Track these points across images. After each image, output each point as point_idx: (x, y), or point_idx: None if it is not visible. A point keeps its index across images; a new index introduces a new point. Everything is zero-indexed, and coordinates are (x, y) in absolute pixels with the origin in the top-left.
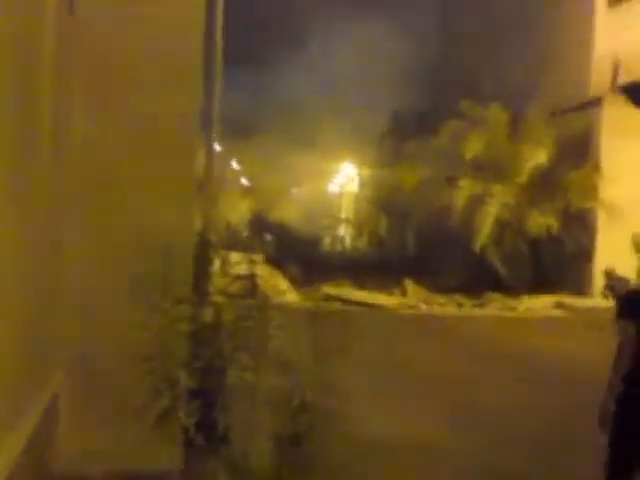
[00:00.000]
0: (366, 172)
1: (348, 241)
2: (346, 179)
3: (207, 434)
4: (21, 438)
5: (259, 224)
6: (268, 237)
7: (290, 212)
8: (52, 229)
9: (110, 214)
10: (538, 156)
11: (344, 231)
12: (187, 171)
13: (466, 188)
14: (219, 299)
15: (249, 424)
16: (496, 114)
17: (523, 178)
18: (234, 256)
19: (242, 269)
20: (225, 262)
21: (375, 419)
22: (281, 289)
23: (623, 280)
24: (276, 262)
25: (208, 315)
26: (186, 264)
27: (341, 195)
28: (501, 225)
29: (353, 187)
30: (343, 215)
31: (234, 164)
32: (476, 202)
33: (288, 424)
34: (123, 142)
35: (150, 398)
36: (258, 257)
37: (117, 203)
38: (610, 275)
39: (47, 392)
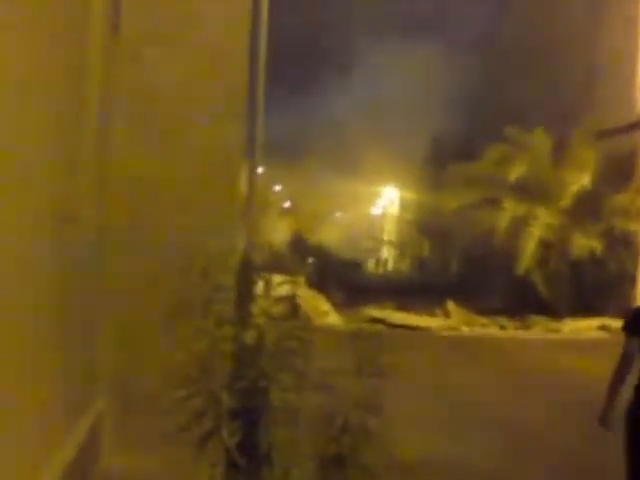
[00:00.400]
0: (408, 195)
1: (390, 263)
2: (388, 202)
3: (249, 455)
4: (64, 459)
5: (301, 246)
6: (310, 259)
7: (332, 234)
8: (94, 251)
9: (153, 236)
10: (582, 179)
11: (386, 253)
12: (231, 193)
13: (509, 210)
14: (261, 320)
15: (291, 445)
16: (540, 138)
17: (567, 201)
18: (276, 278)
19: (284, 290)
20: (268, 283)
21: (418, 441)
22: (323, 310)
23: None
24: (318, 284)
25: (250, 336)
26: (229, 286)
27: (383, 218)
28: (544, 247)
29: (395, 210)
30: (385, 238)
31: (277, 187)
32: (519, 224)
33: (331, 445)
34: (168, 164)
35: (193, 419)
36: (300, 279)
37: (160, 225)
38: None
39: (90, 414)
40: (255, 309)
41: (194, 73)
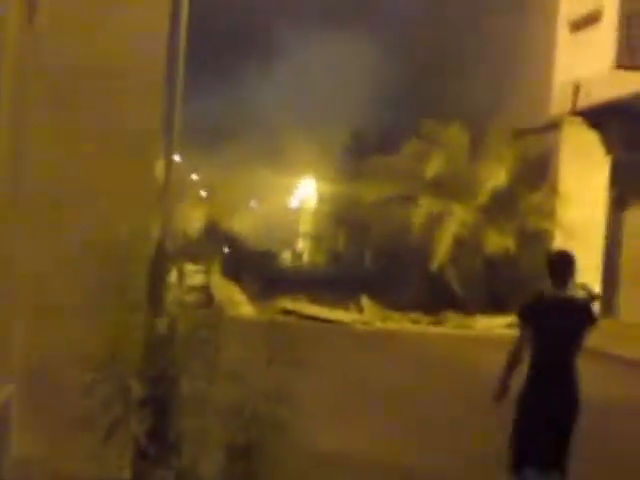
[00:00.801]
0: (326, 187)
1: (306, 256)
2: (306, 194)
3: (158, 444)
4: None
5: (216, 236)
6: (225, 249)
7: (248, 225)
8: (11, 233)
9: (68, 222)
10: (497, 176)
11: (302, 246)
12: (146, 180)
13: (425, 206)
14: (174, 309)
15: (200, 434)
16: (456, 134)
17: (482, 198)
18: (190, 267)
19: (198, 279)
20: (181, 272)
21: (327, 432)
22: (236, 301)
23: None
24: (232, 275)
25: (162, 324)
26: (142, 273)
27: (300, 209)
28: (459, 244)
29: (312, 202)
30: (301, 229)
31: (194, 175)
32: (435, 220)
33: (240, 435)
34: (82, 150)
35: (102, 407)
36: (214, 268)
37: (75, 211)
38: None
39: None
40: (168, 297)
41: (111, 60)
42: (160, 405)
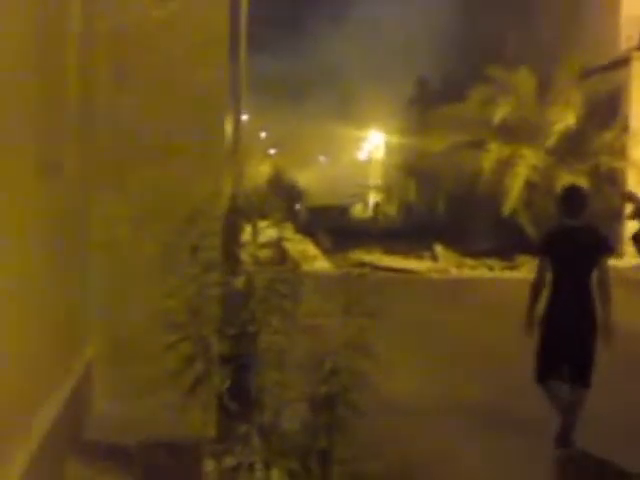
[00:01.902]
0: (394, 139)
1: (377, 208)
2: (374, 146)
3: (240, 399)
4: (56, 407)
5: (288, 192)
6: (297, 204)
7: (319, 179)
8: (83, 197)
9: (140, 182)
10: (567, 118)
11: (373, 198)
12: (216, 139)
13: (495, 151)
14: (250, 266)
15: (281, 388)
16: (524, 78)
17: (552, 140)
18: (263, 223)
19: (271, 235)
20: (255, 229)
21: (405, 381)
22: (311, 255)
23: None
24: (306, 229)
25: (239, 281)
26: (216, 231)
27: (370, 162)
28: (530, 187)
29: (381, 154)
30: (372, 182)
31: (263, 133)
32: (505, 165)
33: (320, 387)
34: (154, 111)
35: (183, 365)
36: (287, 224)
37: (147, 171)
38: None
39: (81, 361)
40: (243, 254)
41: (175, 19)
42: (241, 361)
